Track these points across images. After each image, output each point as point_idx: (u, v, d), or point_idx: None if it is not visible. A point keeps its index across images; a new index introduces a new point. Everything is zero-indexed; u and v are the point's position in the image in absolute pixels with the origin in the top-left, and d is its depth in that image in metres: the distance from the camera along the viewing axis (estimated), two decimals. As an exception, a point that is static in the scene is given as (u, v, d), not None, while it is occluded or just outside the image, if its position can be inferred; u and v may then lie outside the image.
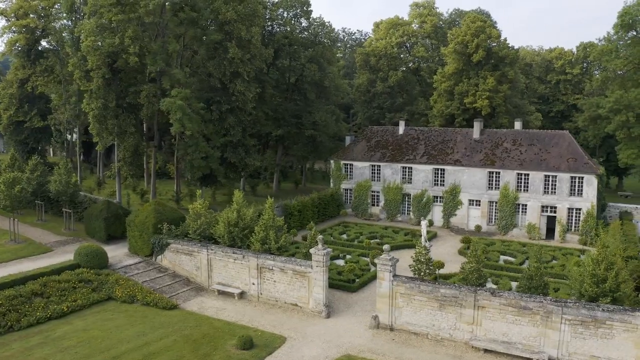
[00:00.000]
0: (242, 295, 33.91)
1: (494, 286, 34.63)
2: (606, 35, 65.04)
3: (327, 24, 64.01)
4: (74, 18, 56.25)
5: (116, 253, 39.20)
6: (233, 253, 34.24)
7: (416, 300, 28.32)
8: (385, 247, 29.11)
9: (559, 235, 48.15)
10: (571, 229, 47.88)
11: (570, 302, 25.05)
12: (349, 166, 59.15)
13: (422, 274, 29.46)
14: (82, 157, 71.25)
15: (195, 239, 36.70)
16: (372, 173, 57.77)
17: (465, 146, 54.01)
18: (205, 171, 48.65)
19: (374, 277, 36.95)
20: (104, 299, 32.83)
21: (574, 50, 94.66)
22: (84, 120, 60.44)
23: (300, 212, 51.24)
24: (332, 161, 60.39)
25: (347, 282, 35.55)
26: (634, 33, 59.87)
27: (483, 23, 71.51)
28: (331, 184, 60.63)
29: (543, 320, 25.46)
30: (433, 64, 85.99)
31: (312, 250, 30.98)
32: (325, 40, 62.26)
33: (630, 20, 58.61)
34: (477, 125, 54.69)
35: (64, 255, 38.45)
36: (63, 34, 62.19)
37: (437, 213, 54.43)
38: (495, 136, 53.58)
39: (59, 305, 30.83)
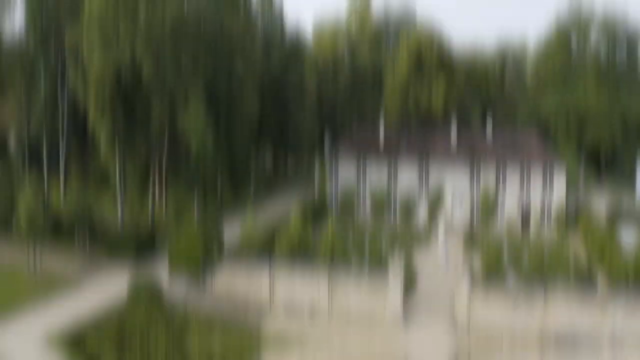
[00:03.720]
0: (312, 311, 36.14)
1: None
2: (541, 47, 75.68)
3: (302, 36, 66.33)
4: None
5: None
6: (301, 271, 36.27)
7: (491, 301, 33.17)
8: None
9: (535, 226, 56.26)
10: (546, 221, 56.23)
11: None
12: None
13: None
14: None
15: (251, 260, 37.94)
16: (357, 175, 61.56)
17: (445, 147, 60.06)
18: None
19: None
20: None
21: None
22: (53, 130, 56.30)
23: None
24: (316, 164, 63.17)
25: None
26: (567, 47, 70.65)
27: (431, 31, 78.52)
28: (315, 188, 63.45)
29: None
30: (378, 66, 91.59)
31: (390, 261, 34.41)
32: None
33: (564, 37, 69.27)
34: (454, 128, 61.01)
35: (107, 286, 37.53)
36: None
37: (422, 212, 59.99)
38: (472, 137, 60.34)
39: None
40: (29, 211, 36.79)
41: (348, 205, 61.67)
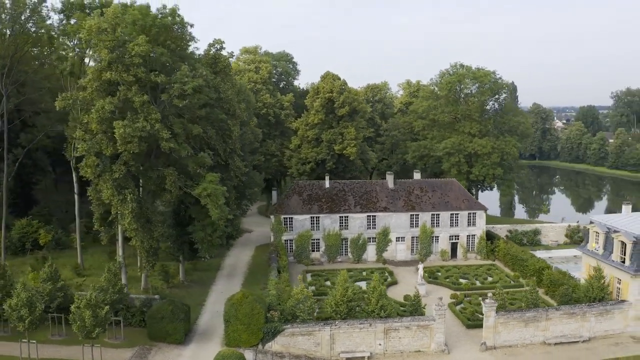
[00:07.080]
0: (370, 356, 43.51)
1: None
2: (426, 94, 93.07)
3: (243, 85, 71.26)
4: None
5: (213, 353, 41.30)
6: (359, 324, 43.49)
7: (510, 324, 45.24)
8: (489, 294, 44.79)
9: (462, 255, 71.06)
10: (470, 250, 71.36)
11: (595, 304, 46.36)
12: (288, 219, 69.05)
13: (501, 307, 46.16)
14: None
15: (309, 319, 43.60)
16: (312, 224, 69.34)
17: (385, 195, 71.67)
18: (217, 247, 52.35)
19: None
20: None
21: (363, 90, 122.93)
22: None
23: (284, 267, 59.74)
24: (272, 216, 68.94)
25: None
26: (453, 98, 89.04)
27: (340, 80, 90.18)
28: (271, 238, 69.15)
29: (581, 317, 46.11)
30: (277, 108, 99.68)
31: (434, 307, 43.99)
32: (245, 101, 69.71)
33: (450, 86, 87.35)
34: (390, 178, 73.09)
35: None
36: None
37: (371, 251, 70.52)
38: (406, 185, 73.12)
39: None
40: (92, 308, 36.63)
41: (303, 249, 68.96)
